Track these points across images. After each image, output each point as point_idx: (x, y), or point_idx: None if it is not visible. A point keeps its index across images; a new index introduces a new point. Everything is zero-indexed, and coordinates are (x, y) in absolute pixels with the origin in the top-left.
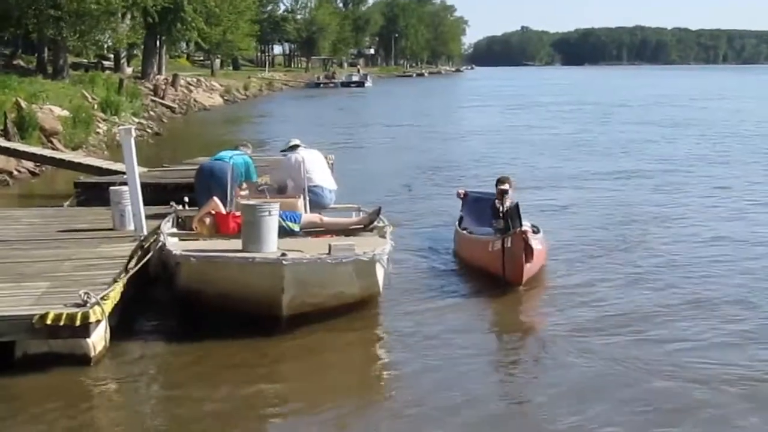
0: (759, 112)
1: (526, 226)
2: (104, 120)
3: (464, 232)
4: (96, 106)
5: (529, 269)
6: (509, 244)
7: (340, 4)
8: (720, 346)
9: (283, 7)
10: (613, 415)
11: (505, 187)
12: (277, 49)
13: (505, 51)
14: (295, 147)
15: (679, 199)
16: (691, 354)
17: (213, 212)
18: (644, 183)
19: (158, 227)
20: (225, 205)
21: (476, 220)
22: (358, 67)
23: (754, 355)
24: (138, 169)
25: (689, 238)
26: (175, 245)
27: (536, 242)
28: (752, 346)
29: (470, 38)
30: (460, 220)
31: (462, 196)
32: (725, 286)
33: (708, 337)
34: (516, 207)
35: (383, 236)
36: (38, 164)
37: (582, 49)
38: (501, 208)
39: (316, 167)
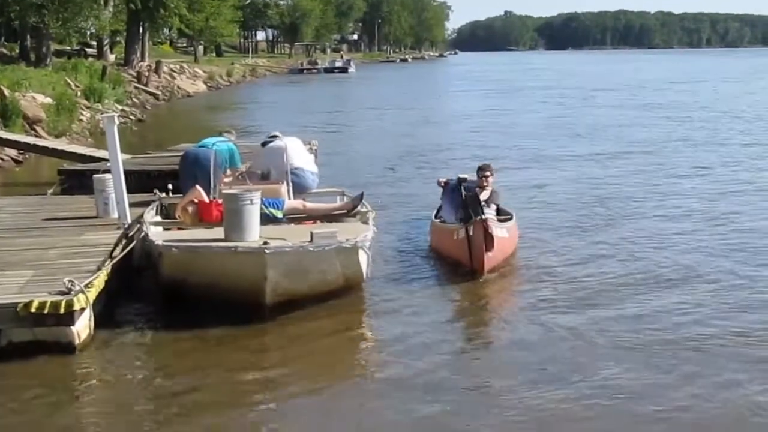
0: (734, 95)
1: (490, 213)
2: (87, 107)
3: (437, 221)
4: (79, 94)
5: (491, 258)
6: (471, 233)
7: None
8: (684, 316)
9: None
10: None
11: (487, 174)
12: (260, 36)
13: (489, 36)
14: (274, 138)
15: (650, 180)
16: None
17: (196, 201)
18: (619, 164)
19: (142, 215)
20: (209, 192)
21: (456, 208)
22: (341, 53)
23: (716, 324)
24: (122, 157)
25: (657, 215)
26: (157, 235)
27: (502, 230)
28: (714, 317)
29: (454, 23)
30: (439, 209)
31: (443, 184)
32: (694, 262)
33: (672, 309)
34: (475, 195)
35: (366, 222)
36: (21, 152)
37: (565, 33)
38: (480, 196)
39: (297, 152)
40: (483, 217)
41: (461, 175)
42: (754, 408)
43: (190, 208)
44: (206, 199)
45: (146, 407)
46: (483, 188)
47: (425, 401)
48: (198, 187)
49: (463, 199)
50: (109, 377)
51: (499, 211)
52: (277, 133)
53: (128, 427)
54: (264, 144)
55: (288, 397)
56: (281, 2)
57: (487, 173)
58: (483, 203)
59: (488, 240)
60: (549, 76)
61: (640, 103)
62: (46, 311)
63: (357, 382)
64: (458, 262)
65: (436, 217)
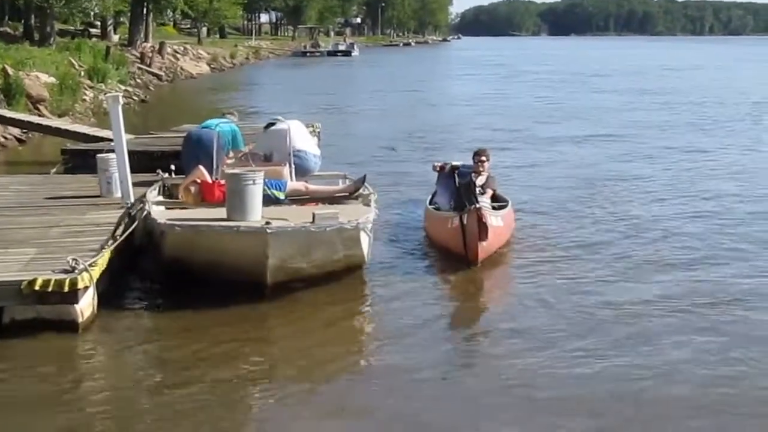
0: (730, 83)
1: (484, 202)
2: (91, 87)
3: (431, 207)
4: (83, 74)
5: (485, 248)
6: (465, 222)
7: None
8: (683, 299)
9: None
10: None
11: (483, 159)
12: (264, 18)
13: (492, 21)
14: (275, 122)
15: (641, 162)
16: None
17: (198, 181)
18: (614, 146)
19: (144, 195)
20: (212, 173)
21: (452, 193)
22: (345, 36)
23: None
24: (125, 137)
25: (648, 199)
26: (160, 214)
27: (497, 219)
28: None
29: (457, 8)
30: (433, 194)
31: (438, 169)
32: (692, 244)
33: (673, 293)
34: (469, 183)
35: (368, 204)
36: (25, 131)
37: (569, 19)
38: (476, 181)
39: (300, 135)
40: (477, 205)
41: (455, 163)
42: None
43: (192, 188)
44: (209, 180)
45: (147, 385)
46: (479, 173)
47: (423, 389)
48: (201, 167)
49: (457, 187)
50: (111, 355)
51: (495, 198)
52: (278, 117)
53: (130, 405)
54: (266, 128)
55: (287, 382)
56: None
57: (483, 158)
58: (479, 189)
59: (482, 229)
60: (551, 62)
61: (636, 88)
62: (50, 289)
63: (355, 369)
64: (452, 250)
65: (430, 203)
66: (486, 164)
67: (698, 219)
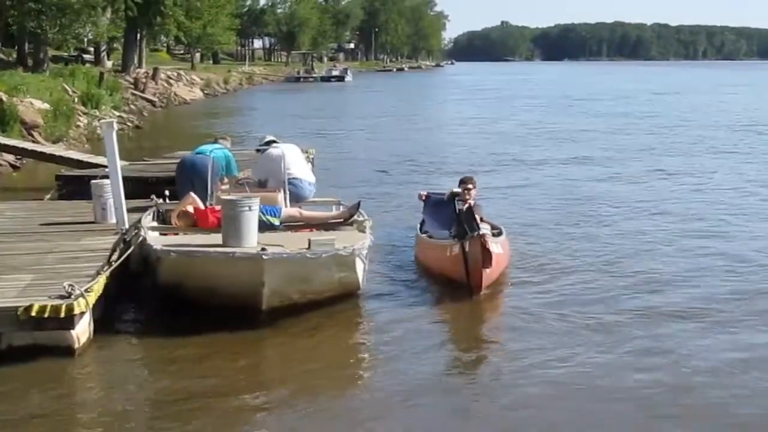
0: (715, 106)
1: (485, 229)
2: (85, 113)
3: (424, 236)
4: (76, 100)
5: (488, 275)
6: (467, 249)
7: None
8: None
9: (263, 1)
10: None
11: (469, 187)
12: (257, 43)
13: (486, 46)
14: (270, 143)
15: (639, 186)
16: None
17: (191, 208)
18: (601, 169)
19: (139, 221)
20: (206, 199)
21: (438, 222)
22: (335, 63)
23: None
24: (120, 163)
25: (645, 217)
26: (155, 239)
27: (497, 246)
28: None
29: (450, 33)
30: (422, 223)
31: (423, 198)
32: (684, 265)
33: (672, 313)
34: (470, 210)
35: (363, 230)
36: (19, 157)
37: (562, 44)
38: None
39: (295, 161)
40: (480, 232)
41: (455, 189)
42: None
43: (185, 215)
44: (201, 206)
45: (144, 411)
46: (465, 201)
47: (417, 410)
48: (192, 194)
49: (458, 214)
50: (107, 381)
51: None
52: (272, 137)
53: (125, 431)
54: (259, 149)
55: (282, 400)
56: (279, 10)
57: (470, 186)
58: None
59: (486, 256)
60: (542, 87)
61: (622, 112)
62: (46, 315)
63: (351, 393)
64: (451, 278)
65: (421, 231)
66: (473, 192)
67: (682, 235)
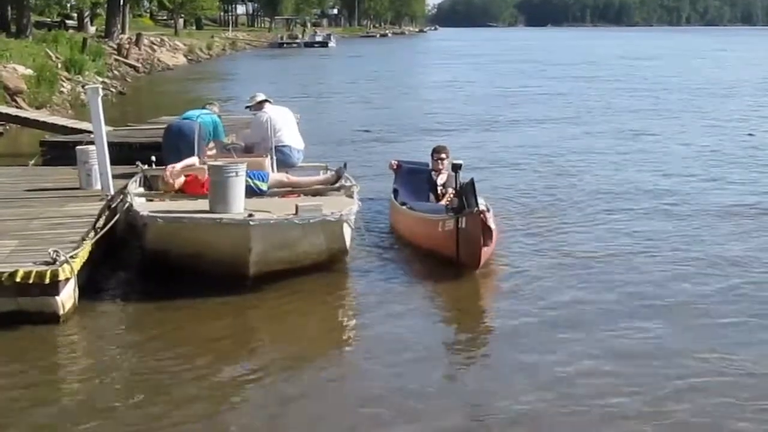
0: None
1: (483, 204)
2: (68, 79)
3: (404, 207)
4: (60, 65)
5: (486, 252)
6: (464, 225)
7: None
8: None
9: None
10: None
11: (442, 156)
12: (240, 9)
13: (469, 12)
14: (262, 103)
15: (593, 146)
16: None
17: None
18: (568, 128)
19: (125, 187)
20: None
21: (412, 192)
22: (319, 27)
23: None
24: (105, 129)
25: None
26: (142, 206)
27: (493, 222)
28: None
29: None
30: (395, 192)
31: (395, 167)
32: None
33: (670, 289)
34: (471, 183)
35: (350, 196)
36: (2, 123)
37: (545, 10)
38: (436, 180)
39: (285, 126)
40: (479, 208)
41: (455, 162)
42: None
43: (179, 177)
44: (203, 176)
45: (129, 377)
46: (438, 171)
47: (403, 373)
48: (196, 158)
49: (459, 188)
50: (92, 347)
51: None
52: (262, 96)
53: (111, 397)
54: (249, 107)
55: (267, 370)
56: None
57: (443, 155)
58: (440, 189)
59: (486, 233)
60: (524, 52)
61: (602, 74)
62: (31, 281)
63: (338, 358)
64: (441, 255)
65: (396, 199)
66: (446, 162)
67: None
